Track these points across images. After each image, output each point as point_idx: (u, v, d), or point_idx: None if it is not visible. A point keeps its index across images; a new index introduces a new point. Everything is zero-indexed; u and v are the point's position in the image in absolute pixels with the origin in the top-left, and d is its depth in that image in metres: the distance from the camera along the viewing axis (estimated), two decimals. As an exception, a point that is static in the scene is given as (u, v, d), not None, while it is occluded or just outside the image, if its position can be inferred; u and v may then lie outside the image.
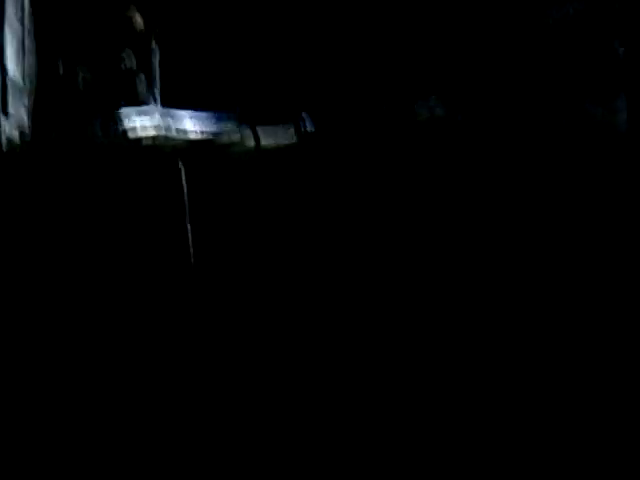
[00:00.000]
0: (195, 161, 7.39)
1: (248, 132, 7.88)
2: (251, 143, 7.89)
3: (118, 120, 7.91)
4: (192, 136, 8.27)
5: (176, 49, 11.13)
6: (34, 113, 9.17)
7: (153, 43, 10.82)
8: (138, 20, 10.83)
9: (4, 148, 7.69)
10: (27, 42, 8.66)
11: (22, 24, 8.63)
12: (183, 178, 6.21)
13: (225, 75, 10.63)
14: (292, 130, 7.76)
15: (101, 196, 6.11)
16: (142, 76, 10.74)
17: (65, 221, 5.41)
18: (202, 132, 8.21)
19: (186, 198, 6.10)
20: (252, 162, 7.80)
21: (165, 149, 7.61)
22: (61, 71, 10.77)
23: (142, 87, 10.76)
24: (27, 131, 8.63)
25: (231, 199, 6.23)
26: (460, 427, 3.97)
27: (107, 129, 7.75)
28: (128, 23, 10.76)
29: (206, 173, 6.89)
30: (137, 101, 10.61)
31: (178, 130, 8.55)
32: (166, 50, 11.15)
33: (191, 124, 9.20)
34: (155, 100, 10.64)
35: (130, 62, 10.86)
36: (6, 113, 7.74)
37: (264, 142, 7.84)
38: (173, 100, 10.80)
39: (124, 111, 8.17)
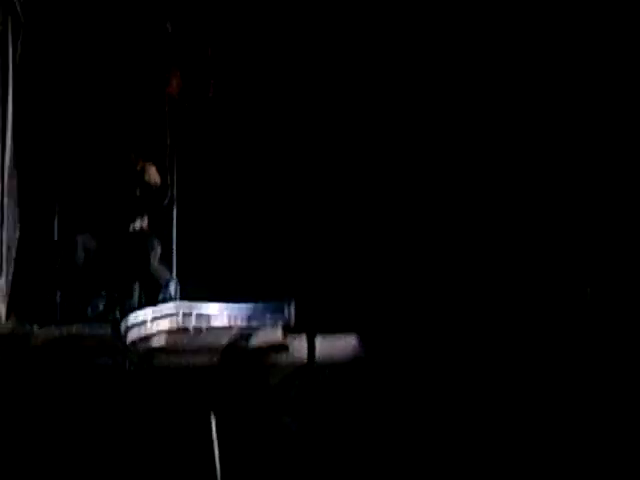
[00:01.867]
0: (227, 384, 5.38)
1: (300, 340, 5.76)
2: (302, 354, 5.78)
3: (126, 326, 5.81)
4: (223, 339, 6.14)
5: (198, 213, 9.13)
6: (12, 294, 7.10)
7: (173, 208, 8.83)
8: (153, 173, 8.83)
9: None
10: (6, 200, 6.60)
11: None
12: (214, 434, 4.58)
13: (266, 251, 8.62)
14: (355, 342, 5.69)
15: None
16: (157, 245, 8.68)
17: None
18: (237, 339, 6.08)
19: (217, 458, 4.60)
20: (301, 378, 5.75)
21: (185, 370, 5.50)
22: (56, 236, 8.74)
23: (155, 258, 8.69)
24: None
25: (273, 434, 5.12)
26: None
27: (115, 328, 5.65)
28: (140, 178, 8.76)
29: (242, 397, 5.08)
30: (149, 276, 8.54)
31: (201, 332, 6.45)
32: (185, 214, 9.13)
33: (222, 320, 7.17)
34: (172, 280, 8.58)
35: (142, 225, 8.82)
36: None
37: (320, 354, 5.73)
38: (193, 279, 8.78)
39: (134, 317, 6.10)
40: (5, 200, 6.70)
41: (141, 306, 8.88)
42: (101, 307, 8.76)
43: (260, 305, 7.69)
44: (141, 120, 9.11)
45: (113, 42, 8.90)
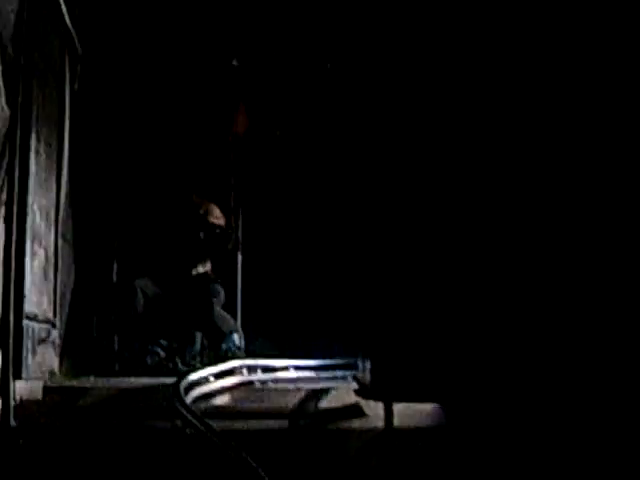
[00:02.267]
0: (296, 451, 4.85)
1: (376, 405, 5.18)
2: (378, 421, 5.20)
3: (187, 383, 5.30)
4: (291, 400, 5.58)
5: (263, 257, 8.64)
6: (65, 342, 6.63)
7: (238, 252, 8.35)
8: (216, 215, 8.35)
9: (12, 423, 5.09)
10: (60, 242, 6.14)
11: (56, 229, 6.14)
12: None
13: (338, 301, 8.09)
14: (437, 409, 5.11)
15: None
16: (220, 291, 8.19)
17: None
18: (306, 400, 5.52)
19: None
20: (379, 447, 5.16)
21: (251, 435, 4.96)
22: (114, 280, 8.29)
23: (218, 305, 8.18)
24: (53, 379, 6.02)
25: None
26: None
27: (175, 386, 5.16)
28: (203, 220, 8.28)
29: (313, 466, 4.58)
30: (211, 324, 8.04)
31: (268, 391, 5.92)
32: (251, 258, 8.64)
33: (290, 376, 6.65)
34: (236, 329, 8.07)
35: (205, 269, 8.34)
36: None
37: (399, 421, 5.13)
38: (258, 328, 8.28)
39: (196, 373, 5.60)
40: (59, 242, 6.21)
41: (203, 355, 8.42)
42: (161, 356, 8.29)
43: (331, 361, 7.16)
44: (204, 159, 8.66)
45: (176, 78, 8.48)
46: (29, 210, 5.20)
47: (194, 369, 7.31)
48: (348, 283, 7.83)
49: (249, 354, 7.97)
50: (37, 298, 5.47)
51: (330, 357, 7.36)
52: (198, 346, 8.49)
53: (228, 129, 8.61)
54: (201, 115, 8.61)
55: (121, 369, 8.05)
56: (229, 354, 7.93)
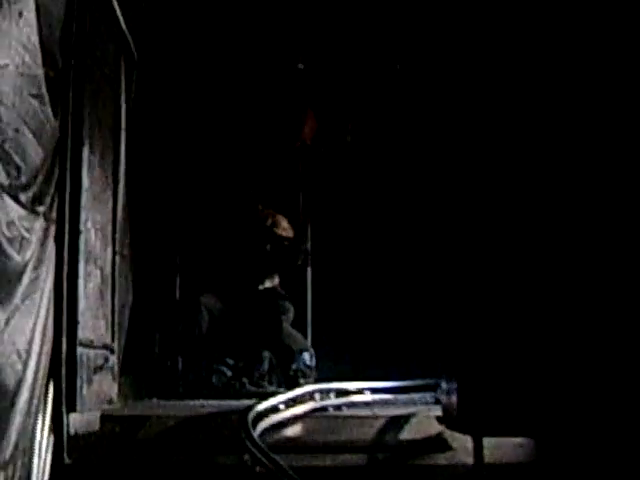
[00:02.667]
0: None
1: (462, 436, 4.67)
2: (466, 456, 4.69)
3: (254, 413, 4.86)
4: (368, 430, 5.09)
5: (334, 271, 8.16)
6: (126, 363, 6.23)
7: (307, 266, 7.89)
8: (284, 226, 7.90)
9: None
10: (118, 259, 5.76)
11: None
12: None
13: (416, 319, 7.58)
14: (529, 443, 4.60)
15: None
16: (289, 308, 7.74)
17: None
18: (385, 431, 5.04)
19: None
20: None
21: (325, 471, 4.50)
22: (177, 297, 7.89)
23: (287, 323, 7.73)
24: (112, 405, 5.63)
25: None
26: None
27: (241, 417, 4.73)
28: (270, 232, 7.84)
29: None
30: (280, 343, 7.58)
31: (342, 418, 5.45)
32: (321, 272, 8.17)
33: (366, 400, 6.18)
34: (307, 348, 7.61)
35: (272, 284, 7.89)
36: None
37: (487, 454, 4.62)
38: (330, 346, 7.80)
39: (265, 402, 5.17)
40: (117, 260, 5.81)
41: (271, 375, 7.97)
42: (227, 375, 7.87)
43: (409, 382, 6.64)
44: (271, 167, 8.22)
45: (239, 82, 8.04)
46: (82, 228, 4.79)
47: (262, 392, 6.95)
48: (428, 297, 7.30)
49: (321, 373, 7.52)
50: (92, 322, 5.07)
51: (408, 377, 6.84)
52: (266, 365, 8.04)
53: (295, 135, 8.13)
54: (266, 121, 8.15)
55: (185, 390, 7.64)
56: (299, 374, 7.49)
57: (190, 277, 7.83)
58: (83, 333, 4.80)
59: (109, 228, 5.50)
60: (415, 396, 6.35)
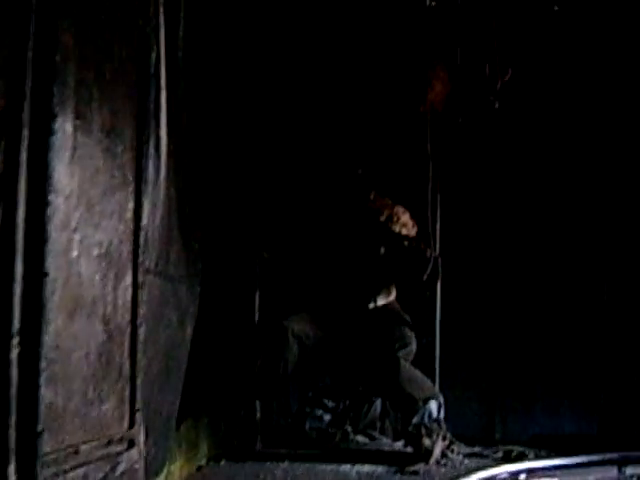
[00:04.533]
0: None
1: None
2: None
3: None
4: None
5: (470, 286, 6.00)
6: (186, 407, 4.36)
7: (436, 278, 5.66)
8: (405, 222, 5.74)
9: None
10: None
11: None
12: None
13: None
14: None
15: None
16: (410, 336, 5.57)
17: None
18: None
19: None
20: None
21: None
22: (255, 320, 5.82)
23: (408, 357, 5.56)
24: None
25: None
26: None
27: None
28: (385, 230, 5.67)
29: None
30: (396, 384, 5.44)
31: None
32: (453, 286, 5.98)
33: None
34: (435, 394, 5.46)
35: (387, 303, 5.74)
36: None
37: None
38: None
39: None
40: (147, 285, 3.89)
41: (384, 421, 5.90)
42: (325, 421, 5.90)
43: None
44: (386, 142, 6.03)
45: (337, 20, 5.84)
46: (51, 265, 2.73)
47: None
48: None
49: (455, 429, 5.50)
50: (84, 412, 3.03)
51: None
52: (378, 407, 5.98)
53: (420, 98, 5.88)
54: (379, 77, 5.96)
55: (266, 444, 5.62)
56: (423, 431, 5.36)
57: (273, 293, 5.74)
58: (56, 439, 2.77)
59: (126, 247, 3.44)
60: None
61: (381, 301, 5.66)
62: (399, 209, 5.70)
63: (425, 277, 5.47)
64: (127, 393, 3.48)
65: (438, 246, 5.74)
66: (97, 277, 3.20)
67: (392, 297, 5.71)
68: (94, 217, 3.18)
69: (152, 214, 3.93)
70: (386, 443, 5.90)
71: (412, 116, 5.91)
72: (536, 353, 6.11)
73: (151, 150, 3.83)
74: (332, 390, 5.98)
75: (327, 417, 5.98)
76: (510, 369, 6.21)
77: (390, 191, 5.75)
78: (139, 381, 3.57)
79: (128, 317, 3.54)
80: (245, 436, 5.57)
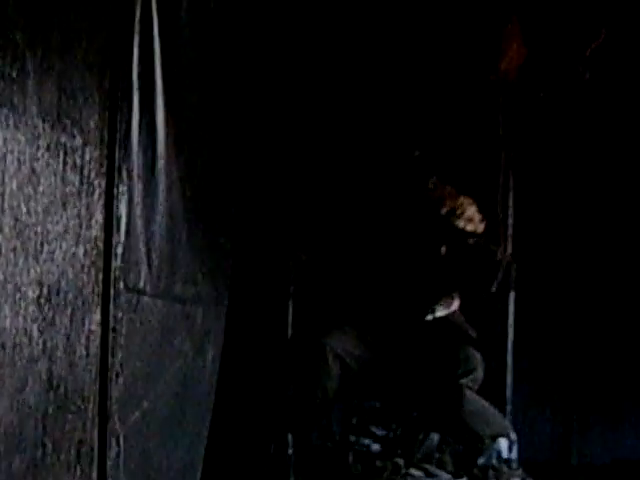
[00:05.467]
0: None
1: None
2: None
3: None
4: None
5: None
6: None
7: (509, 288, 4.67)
8: (472, 216, 4.76)
9: None
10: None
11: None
12: None
13: None
14: None
15: None
16: (477, 360, 4.60)
17: None
18: None
19: None
20: None
21: None
22: (289, 334, 4.89)
23: (474, 385, 4.57)
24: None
25: None
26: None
27: None
28: (447, 225, 4.71)
29: None
30: (458, 418, 4.49)
31: None
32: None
33: None
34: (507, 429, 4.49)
35: (446, 309, 4.79)
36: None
37: None
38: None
39: None
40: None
41: (443, 451, 4.94)
42: (373, 451, 5.00)
43: None
44: (447, 116, 4.99)
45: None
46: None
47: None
48: None
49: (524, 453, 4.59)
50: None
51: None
52: (436, 438, 5.00)
53: (490, 64, 4.83)
54: (440, 40, 4.94)
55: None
56: (491, 473, 4.39)
57: (310, 302, 4.78)
58: None
59: (88, 278, 2.51)
60: None
61: (441, 312, 4.69)
62: (464, 200, 4.70)
63: (495, 285, 4.47)
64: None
65: (510, 246, 4.73)
66: (35, 328, 2.24)
67: (454, 307, 4.74)
68: (28, 245, 2.21)
69: (142, 221, 3.00)
70: (444, 477, 4.95)
71: (480, 86, 4.88)
72: (622, 362, 5.28)
73: (134, 141, 2.87)
74: (381, 415, 5.03)
75: (375, 447, 5.02)
76: (590, 381, 5.37)
77: (453, 178, 4.74)
78: (111, 462, 2.63)
79: (95, 370, 2.60)
80: (276, 475, 4.65)
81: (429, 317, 4.65)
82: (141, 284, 3.08)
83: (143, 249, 3.09)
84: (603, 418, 5.37)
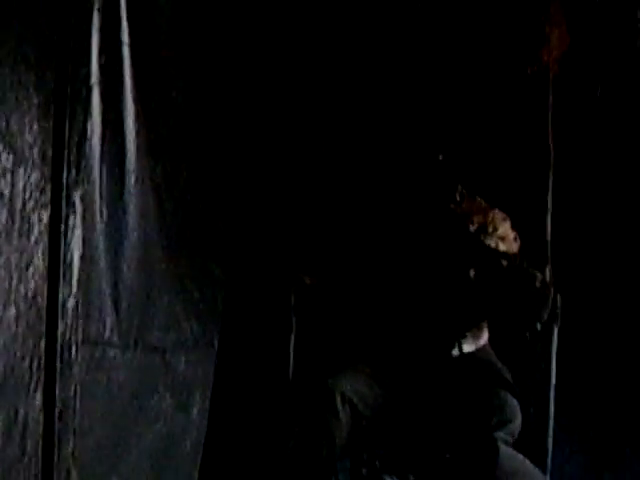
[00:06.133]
0: None
1: None
2: None
3: None
4: None
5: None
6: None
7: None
8: (506, 233, 4.11)
9: None
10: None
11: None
12: None
13: None
14: None
15: None
16: (511, 405, 3.91)
17: None
18: None
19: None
20: None
21: None
22: (290, 374, 4.19)
23: (509, 434, 3.90)
24: None
25: None
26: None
27: None
28: (475, 242, 4.04)
29: None
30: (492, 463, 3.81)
31: None
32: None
33: None
34: None
35: (475, 343, 4.11)
36: None
37: None
38: None
39: None
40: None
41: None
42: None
43: None
44: (478, 113, 4.33)
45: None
46: None
47: None
48: None
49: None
50: None
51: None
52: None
53: (531, 54, 4.16)
54: (469, 25, 4.25)
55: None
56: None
57: (315, 335, 4.10)
58: None
59: (25, 343, 1.79)
60: None
61: (469, 346, 4.03)
62: (496, 215, 4.02)
63: (544, 317, 3.81)
64: None
65: (550, 268, 4.05)
66: None
67: (483, 341, 4.06)
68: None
69: (106, 259, 2.32)
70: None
71: (516, 78, 4.22)
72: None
73: (92, 155, 2.16)
74: (395, 462, 4.36)
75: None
76: (626, 411, 4.62)
77: (483, 189, 4.06)
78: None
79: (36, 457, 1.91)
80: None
81: (455, 352, 3.98)
82: (106, 335, 2.43)
83: (108, 293, 2.41)
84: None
